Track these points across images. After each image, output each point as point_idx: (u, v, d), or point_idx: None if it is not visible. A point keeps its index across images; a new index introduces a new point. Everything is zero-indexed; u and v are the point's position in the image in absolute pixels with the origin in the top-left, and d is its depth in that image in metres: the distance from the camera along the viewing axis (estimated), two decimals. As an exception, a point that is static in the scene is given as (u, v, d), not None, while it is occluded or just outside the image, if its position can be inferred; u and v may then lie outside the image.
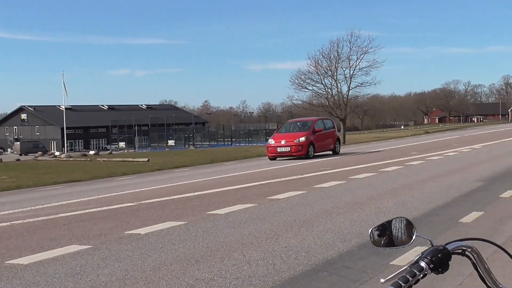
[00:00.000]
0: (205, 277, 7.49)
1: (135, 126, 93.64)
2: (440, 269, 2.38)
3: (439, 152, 29.72)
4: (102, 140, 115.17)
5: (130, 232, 10.91)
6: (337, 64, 59.95)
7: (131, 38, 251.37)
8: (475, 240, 2.54)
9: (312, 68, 60.14)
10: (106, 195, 17.94)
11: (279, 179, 19.68)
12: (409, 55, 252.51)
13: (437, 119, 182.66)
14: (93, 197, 17.51)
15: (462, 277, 7.21)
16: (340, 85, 60.73)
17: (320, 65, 60.12)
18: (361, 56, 59.36)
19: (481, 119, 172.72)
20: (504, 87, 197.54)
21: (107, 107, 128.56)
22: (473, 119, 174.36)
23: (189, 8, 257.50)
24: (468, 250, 2.48)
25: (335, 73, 60.02)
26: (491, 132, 57.67)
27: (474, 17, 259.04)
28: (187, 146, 79.21)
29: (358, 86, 60.23)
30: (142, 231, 10.91)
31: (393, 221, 2.61)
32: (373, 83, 62.60)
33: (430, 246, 2.46)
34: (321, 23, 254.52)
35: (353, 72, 59.73)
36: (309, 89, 61.49)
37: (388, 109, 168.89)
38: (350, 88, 60.01)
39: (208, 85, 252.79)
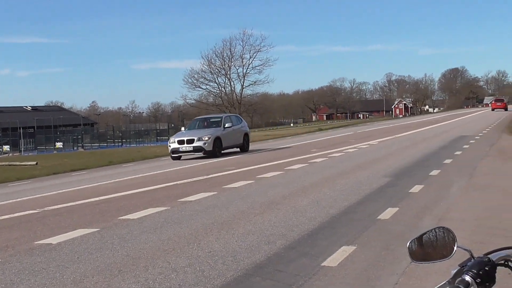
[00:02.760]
0: (133, 289, 7.07)
1: (20, 128, 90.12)
2: (487, 283, 2.16)
3: (339, 149, 30.12)
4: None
5: (40, 242, 10.24)
6: (230, 62, 60.29)
7: (10, 36, 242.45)
8: None
9: (206, 67, 60.04)
10: (3, 202, 16.94)
11: (185, 180, 19.25)
12: (295, 53, 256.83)
13: (325, 116, 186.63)
14: (-12, 205, 16.50)
15: (396, 276, 7.13)
16: (234, 84, 60.86)
17: (213, 64, 60.14)
18: (254, 54, 59.80)
19: (367, 115, 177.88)
20: (387, 84, 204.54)
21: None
22: (359, 116, 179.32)
23: (71, 5, 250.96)
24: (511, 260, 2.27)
25: (229, 72, 60.19)
26: (382, 128, 59.27)
27: (356, 16, 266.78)
28: (75, 148, 77.12)
29: (252, 84, 60.56)
30: (53, 240, 10.27)
31: (432, 232, 2.35)
32: (266, 81, 63.19)
33: (469, 257, 2.22)
34: (208, 22, 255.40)
35: (247, 71, 60.06)
36: (202, 88, 61.42)
37: (277, 107, 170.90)
38: (244, 86, 60.23)
39: (95, 85, 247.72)
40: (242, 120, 36.42)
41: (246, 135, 35.02)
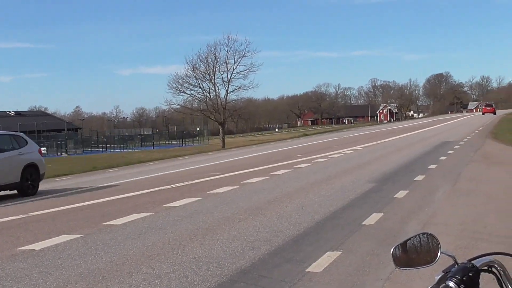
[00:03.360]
0: (117, 295, 7.03)
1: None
2: None
3: (323, 154, 30.24)
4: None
5: (23, 248, 10.15)
6: (214, 68, 59.97)
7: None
8: (499, 255, 2.34)
9: (190, 72, 59.84)
10: (-15, 209, 16.78)
11: (170, 186, 19.23)
12: (279, 58, 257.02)
13: (309, 122, 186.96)
14: (-30, 211, 16.32)
15: (380, 281, 7.13)
16: (218, 89, 60.78)
17: (197, 69, 59.95)
18: (239, 60, 59.62)
19: (352, 120, 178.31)
20: (372, 90, 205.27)
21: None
22: (344, 121, 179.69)
23: (54, 10, 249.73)
24: (495, 266, 2.27)
25: (213, 77, 60.01)
26: (367, 133, 59.49)
27: (339, 22, 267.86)
28: (59, 153, 76.69)
29: (236, 89, 60.52)
30: (36, 246, 10.19)
31: (416, 238, 2.35)
32: (251, 87, 63.16)
33: (453, 263, 2.22)
34: (192, 27, 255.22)
35: (231, 76, 59.93)
36: (187, 93, 61.08)
37: (262, 112, 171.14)
38: (228, 91, 60.18)
39: (78, 90, 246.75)
40: (26, 143, 21.01)
41: (31, 168, 20.40)
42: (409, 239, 2.34)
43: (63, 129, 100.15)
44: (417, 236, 2.33)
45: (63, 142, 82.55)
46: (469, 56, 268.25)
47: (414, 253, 2.31)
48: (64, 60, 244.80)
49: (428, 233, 2.33)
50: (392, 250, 2.35)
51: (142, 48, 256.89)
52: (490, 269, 2.25)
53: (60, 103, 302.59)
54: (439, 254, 2.28)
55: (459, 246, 8.54)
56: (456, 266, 2.17)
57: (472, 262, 2.20)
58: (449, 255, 2.22)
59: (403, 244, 2.34)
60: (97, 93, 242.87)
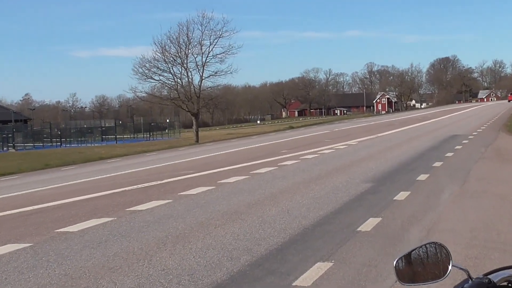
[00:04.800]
0: (72, 314, 6.99)
1: None
2: None
3: (312, 150, 30.33)
4: None
5: (-39, 260, 10.09)
6: (187, 50, 59.79)
7: None
8: None
9: (159, 54, 59.54)
10: None
11: (135, 186, 19.20)
12: (262, 40, 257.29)
13: (296, 112, 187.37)
14: None
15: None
16: (192, 74, 60.55)
17: (167, 51, 59.68)
18: (215, 41, 59.50)
19: (345, 111, 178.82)
20: (368, 76, 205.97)
21: None
22: (336, 112, 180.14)
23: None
24: None
25: (186, 61, 59.79)
26: (362, 126, 59.74)
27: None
28: (6, 148, 76.25)
29: (212, 75, 60.36)
30: (-23, 258, 10.13)
31: (422, 248, 2.30)
32: (229, 72, 62.84)
33: (466, 278, 2.18)
34: (161, 3, 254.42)
35: (206, 59, 59.77)
36: (155, 79, 60.81)
37: (241, 101, 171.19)
38: (203, 77, 60.00)
39: (28, 76, 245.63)
40: None
41: None
42: (414, 249, 2.30)
43: (10, 120, 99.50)
44: (424, 246, 2.30)
45: (10, 135, 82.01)
46: (479, 38, 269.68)
47: (420, 266, 2.27)
48: (11, 40, 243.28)
49: (436, 243, 2.29)
50: (394, 262, 2.30)
51: (103, 26, 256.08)
52: (510, 285, 2.22)
53: (6, 90, 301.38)
54: (450, 267, 2.24)
55: (469, 256, 8.55)
56: (470, 281, 2.14)
57: (489, 277, 2.17)
58: (461, 269, 2.18)
59: (407, 256, 2.30)
60: (50, 78, 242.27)
